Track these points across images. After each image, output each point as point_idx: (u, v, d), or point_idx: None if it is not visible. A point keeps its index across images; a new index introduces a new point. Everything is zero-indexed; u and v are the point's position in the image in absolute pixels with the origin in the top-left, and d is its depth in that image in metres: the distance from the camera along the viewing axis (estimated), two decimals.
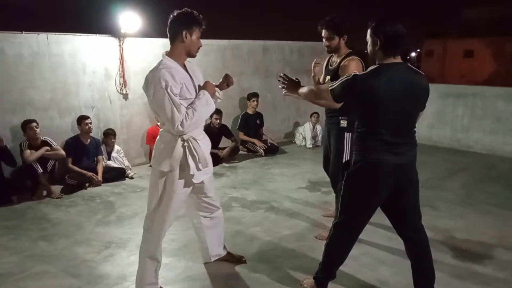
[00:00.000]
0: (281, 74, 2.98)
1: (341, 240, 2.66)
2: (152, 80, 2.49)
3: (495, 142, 7.00)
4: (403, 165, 2.44)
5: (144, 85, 2.56)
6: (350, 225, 2.62)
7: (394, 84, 2.35)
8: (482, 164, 6.39)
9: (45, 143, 5.04)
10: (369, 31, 2.45)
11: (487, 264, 3.29)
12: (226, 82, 2.90)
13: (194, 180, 2.71)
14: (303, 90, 2.81)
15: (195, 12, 2.60)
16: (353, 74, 2.44)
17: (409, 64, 2.46)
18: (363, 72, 2.48)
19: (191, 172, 2.65)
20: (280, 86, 2.98)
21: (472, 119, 7.26)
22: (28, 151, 4.84)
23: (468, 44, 30.64)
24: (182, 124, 2.49)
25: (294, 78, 2.93)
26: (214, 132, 6.43)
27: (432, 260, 2.65)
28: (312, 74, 3.65)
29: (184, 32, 2.56)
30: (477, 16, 31.18)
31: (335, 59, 3.55)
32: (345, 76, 2.49)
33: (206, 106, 2.62)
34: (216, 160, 6.17)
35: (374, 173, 2.45)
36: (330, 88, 2.53)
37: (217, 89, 2.81)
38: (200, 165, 2.66)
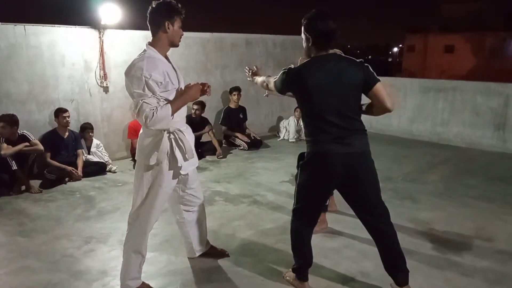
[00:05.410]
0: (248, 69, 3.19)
1: (299, 224, 2.75)
2: (133, 67, 2.47)
3: (474, 136, 7.12)
4: (351, 154, 2.47)
5: (126, 71, 2.52)
6: (305, 210, 2.72)
7: (324, 74, 2.40)
8: (461, 157, 6.51)
9: (23, 137, 4.92)
10: (302, 28, 2.52)
11: (466, 255, 3.36)
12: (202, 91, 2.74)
13: (182, 172, 2.71)
14: (258, 79, 2.96)
15: (173, 1, 2.60)
16: (287, 68, 2.53)
17: (339, 53, 2.50)
18: (295, 66, 2.55)
19: (179, 164, 2.65)
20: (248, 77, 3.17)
21: (452, 113, 7.37)
22: (5, 145, 4.72)
23: (449, 39, 31.02)
24: (146, 116, 2.42)
25: (254, 67, 3.14)
26: (195, 123, 6.36)
27: (399, 245, 2.66)
28: None
29: (166, 23, 2.56)
30: (456, 11, 31.60)
31: None
32: (282, 70, 2.59)
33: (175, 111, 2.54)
34: (199, 154, 6.14)
35: (323, 164, 2.51)
36: (274, 80, 2.66)
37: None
38: (186, 156, 2.67)
